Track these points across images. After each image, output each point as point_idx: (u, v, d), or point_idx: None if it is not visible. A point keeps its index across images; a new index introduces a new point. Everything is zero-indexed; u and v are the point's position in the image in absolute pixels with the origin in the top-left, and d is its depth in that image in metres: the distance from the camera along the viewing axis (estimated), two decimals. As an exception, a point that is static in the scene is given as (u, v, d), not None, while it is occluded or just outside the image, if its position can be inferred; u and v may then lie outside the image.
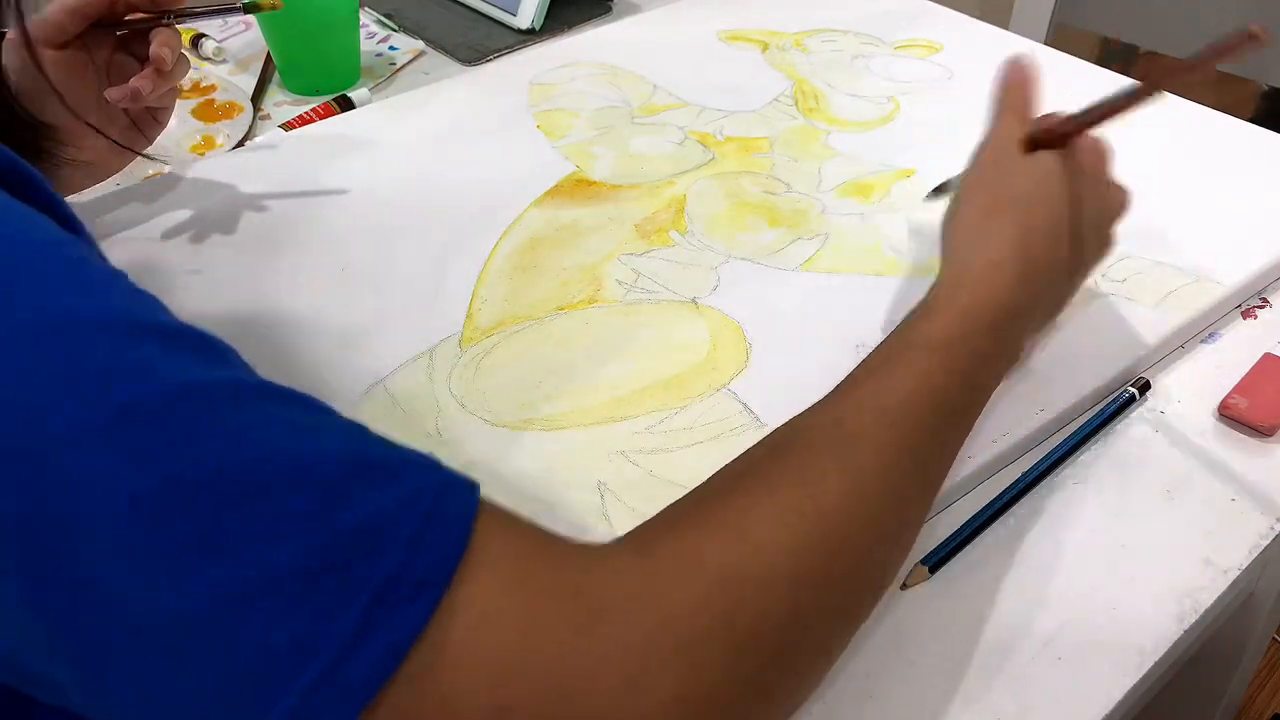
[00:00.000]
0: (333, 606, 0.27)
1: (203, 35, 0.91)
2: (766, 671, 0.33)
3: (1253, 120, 0.75)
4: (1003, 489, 0.50)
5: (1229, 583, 0.47)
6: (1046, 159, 0.50)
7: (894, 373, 0.42)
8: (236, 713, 0.26)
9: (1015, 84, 0.54)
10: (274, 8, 0.64)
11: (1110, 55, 1.78)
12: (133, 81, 0.60)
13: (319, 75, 0.85)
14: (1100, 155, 0.51)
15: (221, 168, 0.74)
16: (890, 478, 0.39)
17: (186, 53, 0.91)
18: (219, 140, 0.79)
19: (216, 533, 0.27)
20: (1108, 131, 0.51)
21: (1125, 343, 0.56)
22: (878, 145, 0.74)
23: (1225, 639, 0.67)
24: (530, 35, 0.92)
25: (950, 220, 0.49)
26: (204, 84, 0.85)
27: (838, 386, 0.43)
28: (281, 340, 0.59)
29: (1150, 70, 0.48)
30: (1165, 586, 0.46)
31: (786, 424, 0.42)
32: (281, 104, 0.85)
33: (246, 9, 0.64)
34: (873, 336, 0.57)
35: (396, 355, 0.57)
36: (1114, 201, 0.52)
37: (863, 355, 0.55)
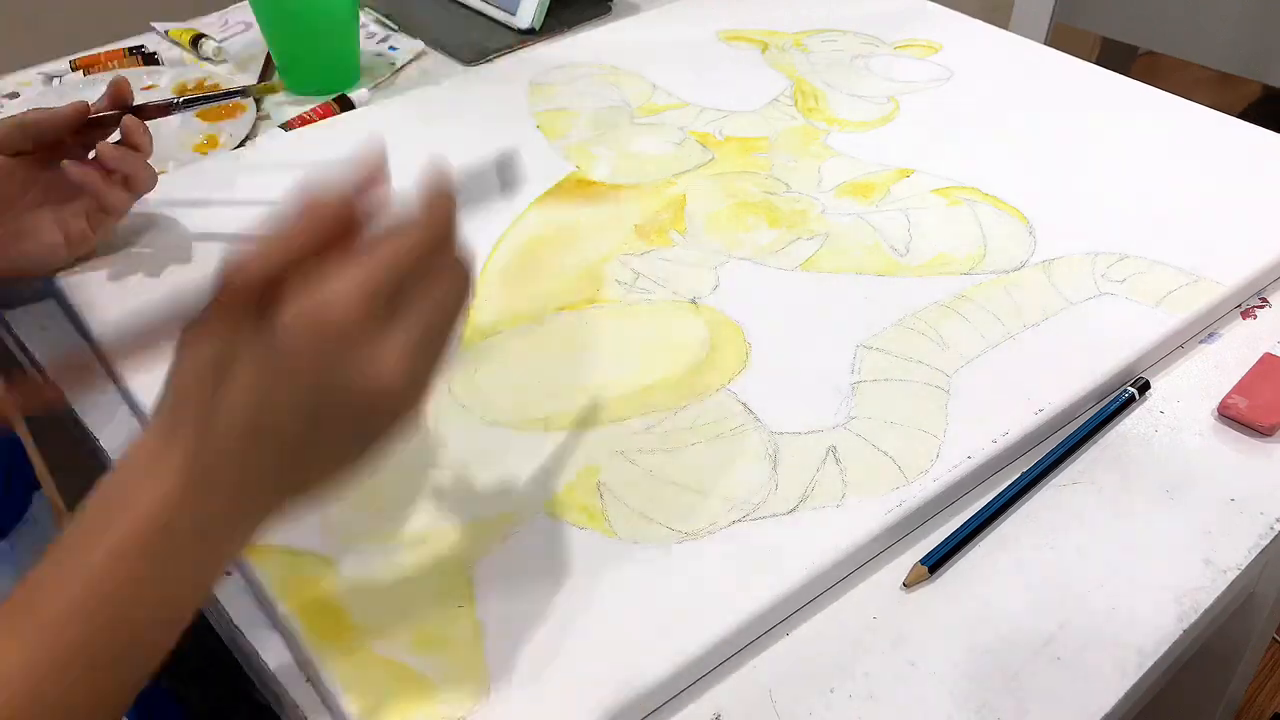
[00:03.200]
0: None
1: (203, 35, 0.91)
2: None
3: (1248, 117, 0.75)
4: (1002, 489, 0.51)
5: (1228, 583, 0.47)
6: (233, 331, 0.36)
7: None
8: None
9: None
10: (274, 91, 0.66)
11: (1110, 55, 1.78)
12: (99, 148, 0.61)
13: (319, 75, 0.85)
14: (320, 325, 0.34)
15: (223, 167, 0.74)
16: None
17: (186, 52, 0.92)
18: (221, 140, 0.79)
19: None
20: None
21: (1124, 342, 0.56)
22: (877, 145, 0.74)
23: (1225, 639, 0.67)
24: (530, 35, 0.92)
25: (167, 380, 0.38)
26: (208, 83, 0.86)
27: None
28: (281, 340, 0.59)
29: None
30: (1165, 586, 0.46)
31: None
32: (281, 104, 0.85)
33: (249, 93, 0.66)
34: (872, 336, 0.57)
35: (396, 355, 0.57)
36: (362, 382, 0.35)
37: (863, 355, 0.56)
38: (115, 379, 0.58)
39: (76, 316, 0.62)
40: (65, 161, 0.61)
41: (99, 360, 0.34)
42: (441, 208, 0.39)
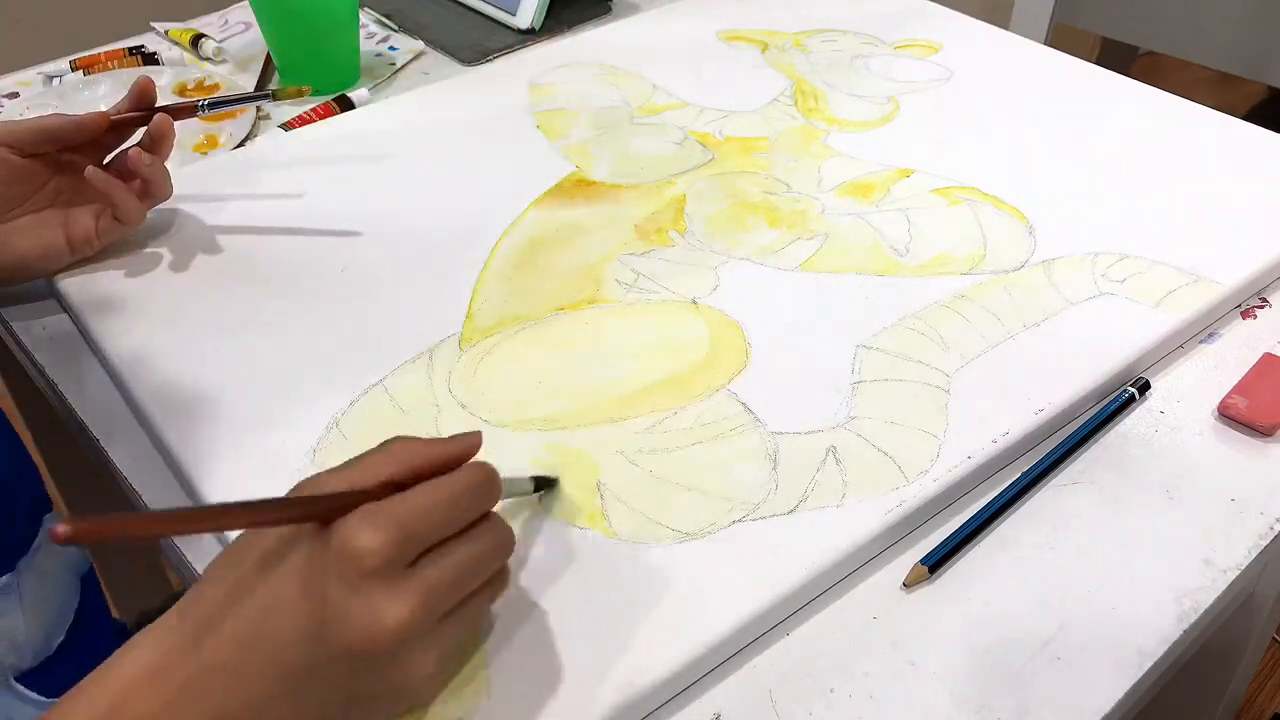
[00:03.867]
0: None
1: (203, 35, 0.91)
2: None
3: (1253, 118, 0.75)
4: (1002, 489, 0.50)
5: (1229, 583, 0.47)
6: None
7: None
8: None
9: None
10: (300, 94, 0.66)
11: (1110, 55, 1.78)
12: (130, 154, 0.61)
13: (319, 75, 0.85)
14: (351, 558, 0.35)
15: (224, 167, 0.74)
16: None
17: (187, 52, 0.91)
18: (221, 140, 0.79)
19: None
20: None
21: (1124, 342, 0.56)
22: (877, 145, 0.74)
23: (1225, 639, 0.67)
24: (530, 35, 0.92)
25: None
26: (208, 83, 0.86)
27: None
28: (282, 340, 0.59)
29: None
30: (1165, 586, 0.46)
31: None
32: (281, 104, 0.85)
33: (275, 96, 0.66)
34: (872, 336, 0.57)
35: (396, 355, 0.57)
36: (363, 625, 0.35)
37: (863, 355, 0.56)
38: (125, 395, 0.58)
39: (77, 317, 0.62)
40: (89, 169, 0.61)
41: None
42: (486, 469, 0.39)
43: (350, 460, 0.38)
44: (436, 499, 0.37)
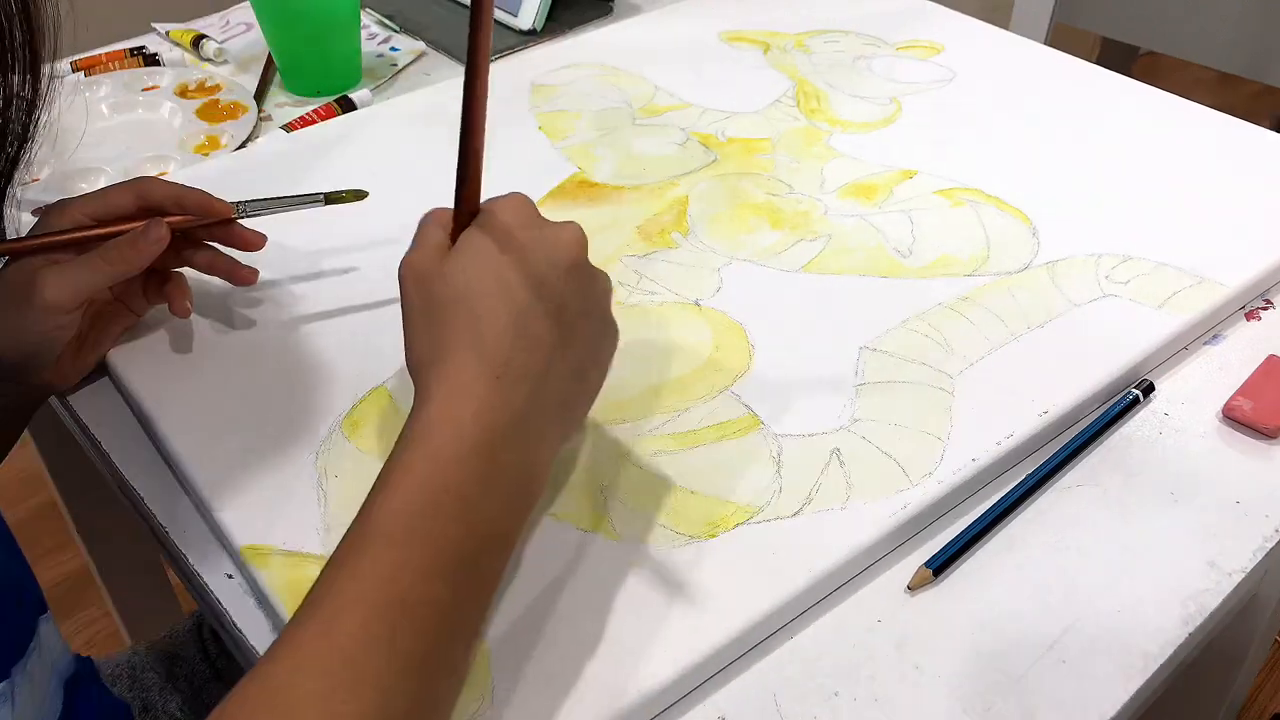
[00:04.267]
0: None
1: (204, 36, 0.91)
2: None
3: (1248, 118, 0.75)
4: (1006, 491, 0.50)
5: (1233, 585, 0.47)
6: (465, 244, 0.42)
7: (361, 575, 0.36)
8: None
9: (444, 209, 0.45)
10: (358, 198, 0.61)
11: (1110, 55, 1.78)
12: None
13: (320, 76, 0.85)
14: (516, 204, 0.43)
15: (225, 168, 0.74)
16: (403, 693, 0.34)
17: (188, 53, 0.91)
18: (223, 141, 0.79)
19: None
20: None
21: (1129, 344, 0.56)
22: (880, 146, 0.73)
23: (1228, 640, 0.67)
24: (531, 36, 0.92)
25: (407, 365, 0.42)
26: (209, 84, 0.85)
27: (306, 601, 0.36)
28: (283, 341, 0.59)
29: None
30: (1169, 589, 0.46)
31: (249, 681, 0.34)
32: (283, 105, 0.85)
33: (328, 200, 0.61)
34: (875, 338, 0.57)
35: (398, 357, 0.57)
36: (564, 236, 0.43)
37: (866, 357, 0.56)
38: (125, 395, 0.58)
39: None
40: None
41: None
42: (516, 202, 0.45)
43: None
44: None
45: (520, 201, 0.43)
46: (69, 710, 0.50)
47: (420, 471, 0.38)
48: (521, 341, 0.40)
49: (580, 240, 0.43)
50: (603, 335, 0.45)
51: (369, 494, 0.38)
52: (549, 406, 0.41)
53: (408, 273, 0.42)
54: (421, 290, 0.41)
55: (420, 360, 0.41)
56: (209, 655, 0.72)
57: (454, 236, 0.43)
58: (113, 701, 0.63)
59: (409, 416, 0.40)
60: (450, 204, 0.44)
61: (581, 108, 0.79)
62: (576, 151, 0.74)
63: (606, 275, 0.45)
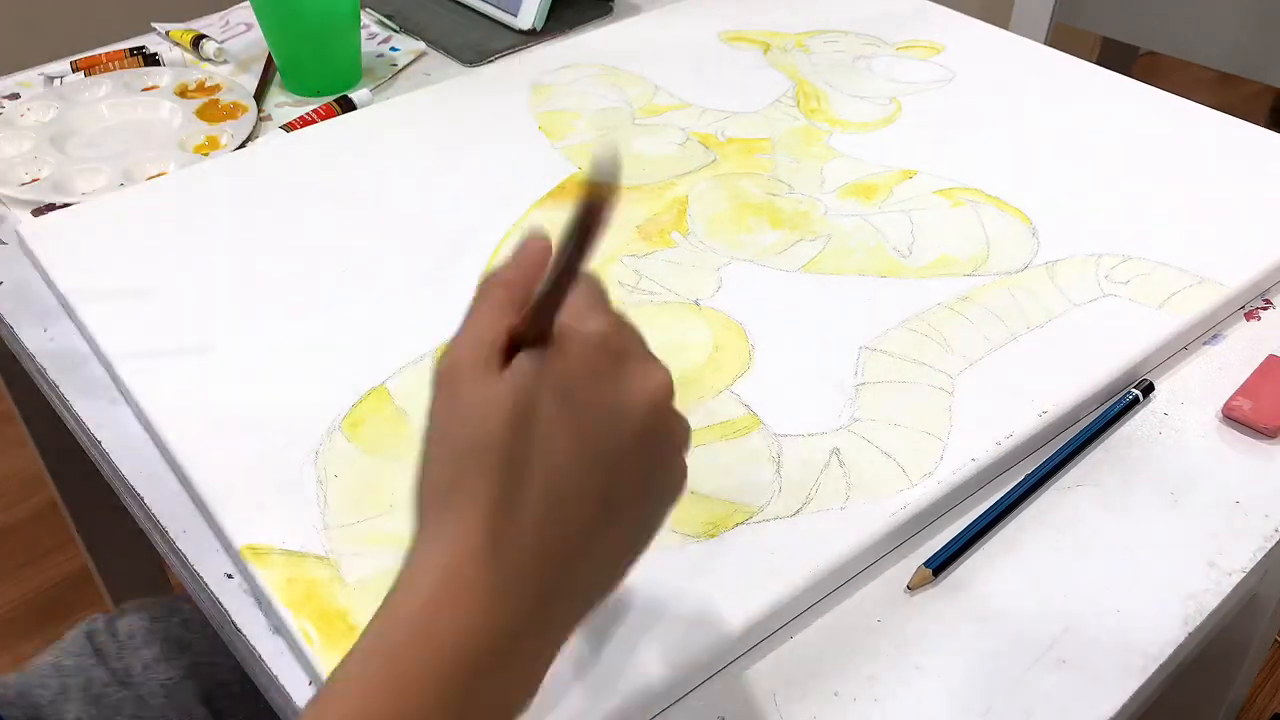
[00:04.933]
0: None
1: (204, 36, 0.91)
2: None
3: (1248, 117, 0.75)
4: (1006, 491, 0.50)
5: (1233, 585, 0.47)
6: (519, 372, 0.32)
7: None
8: None
9: (509, 269, 0.36)
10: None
11: (1110, 55, 1.78)
12: None
13: (320, 76, 0.85)
14: (604, 342, 0.34)
15: (225, 168, 0.74)
16: None
17: (187, 53, 0.91)
18: (223, 140, 0.79)
19: None
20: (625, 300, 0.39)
21: (1128, 344, 0.56)
22: (880, 146, 0.73)
23: (1228, 640, 0.67)
24: (531, 36, 0.92)
25: (414, 489, 0.34)
26: (208, 84, 0.85)
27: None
28: (282, 342, 0.59)
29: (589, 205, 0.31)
30: (1169, 589, 0.46)
31: None
32: (282, 105, 0.85)
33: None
34: (875, 338, 0.57)
35: (398, 356, 0.57)
36: (638, 395, 0.34)
37: (866, 357, 0.56)
38: (125, 396, 0.58)
39: (77, 319, 0.62)
40: None
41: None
42: (604, 342, 0.35)
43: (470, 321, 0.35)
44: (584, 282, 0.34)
45: (606, 332, 0.34)
46: None
47: (369, 689, 0.30)
48: (553, 528, 0.32)
49: (662, 400, 0.34)
50: (658, 514, 0.37)
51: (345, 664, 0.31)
52: (566, 598, 0.34)
53: (445, 373, 0.34)
54: (451, 404, 0.33)
55: (423, 493, 0.34)
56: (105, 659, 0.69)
57: (514, 339, 0.34)
58: None
59: (404, 561, 0.33)
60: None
61: (581, 107, 0.79)
62: (576, 151, 0.74)
63: (686, 425, 0.36)
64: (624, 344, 0.35)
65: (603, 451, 0.33)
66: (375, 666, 0.31)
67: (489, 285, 0.35)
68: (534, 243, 0.37)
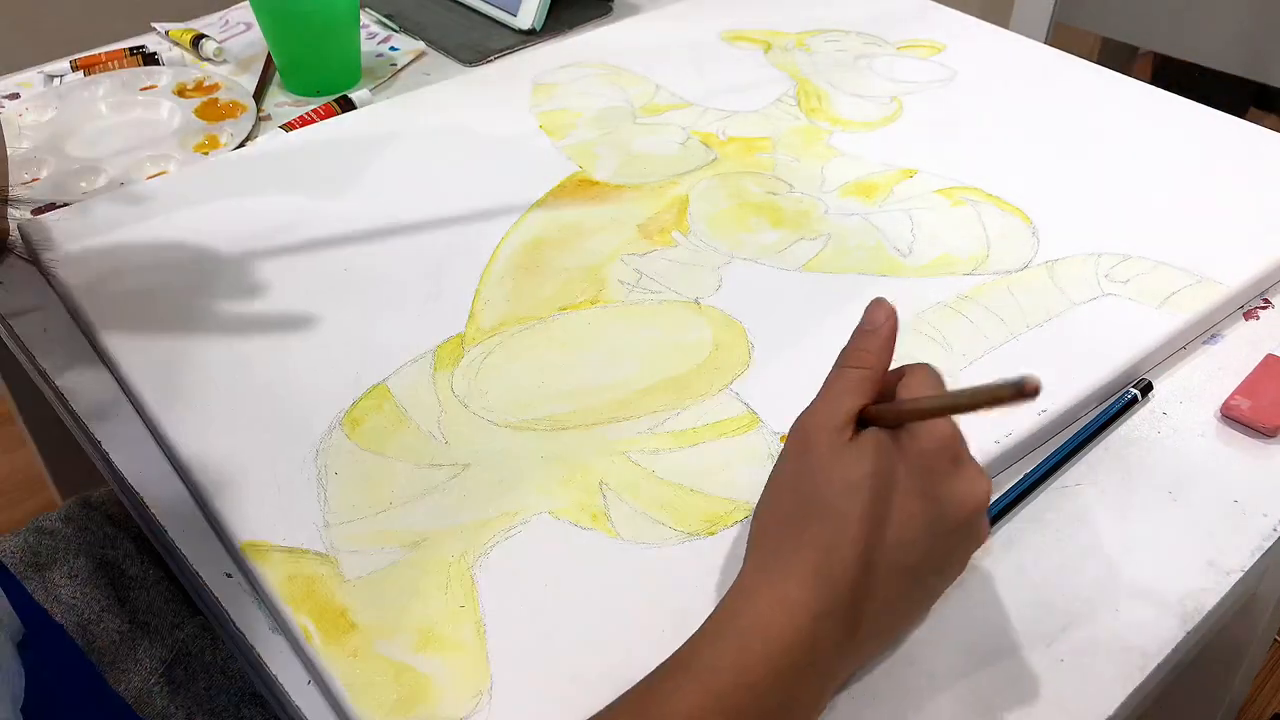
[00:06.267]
0: None
1: (203, 35, 0.91)
2: None
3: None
4: (1005, 490, 0.50)
5: (1232, 584, 0.47)
6: (872, 447, 0.40)
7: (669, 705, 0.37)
8: None
9: (866, 337, 0.44)
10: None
11: (1110, 55, 1.78)
12: None
13: (320, 76, 0.85)
14: (949, 443, 0.40)
15: (224, 167, 0.74)
16: None
17: (187, 53, 0.91)
18: (222, 140, 0.79)
19: None
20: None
21: (1127, 343, 0.56)
22: (881, 145, 0.74)
23: (1228, 640, 0.67)
24: (531, 36, 0.92)
25: (756, 516, 0.42)
26: (207, 83, 0.85)
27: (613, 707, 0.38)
28: (282, 340, 0.59)
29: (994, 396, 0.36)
30: (1168, 588, 0.46)
31: None
32: (282, 104, 0.85)
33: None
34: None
35: (398, 355, 0.57)
36: (967, 499, 0.40)
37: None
38: (127, 394, 0.58)
39: (79, 317, 0.62)
40: None
41: None
42: (949, 441, 0.42)
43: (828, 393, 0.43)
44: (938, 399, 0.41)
45: (954, 435, 0.41)
46: (32, 674, 0.49)
47: (719, 662, 0.37)
48: (860, 590, 0.39)
49: (983, 506, 0.41)
50: (939, 594, 0.43)
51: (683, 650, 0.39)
52: (860, 649, 0.41)
53: (804, 426, 0.42)
54: (804, 457, 0.41)
55: (764, 523, 0.41)
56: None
57: (868, 412, 0.42)
58: (67, 643, 0.61)
59: (740, 575, 0.40)
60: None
61: (582, 107, 0.79)
62: (577, 150, 0.74)
63: (988, 531, 0.43)
64: (960, 450, 0.41)
65: (926, 533, 0.39)
66: (724, 647, 0.37)
67: (851, 364, 0.43)
68: (886, 320, 0.44)
